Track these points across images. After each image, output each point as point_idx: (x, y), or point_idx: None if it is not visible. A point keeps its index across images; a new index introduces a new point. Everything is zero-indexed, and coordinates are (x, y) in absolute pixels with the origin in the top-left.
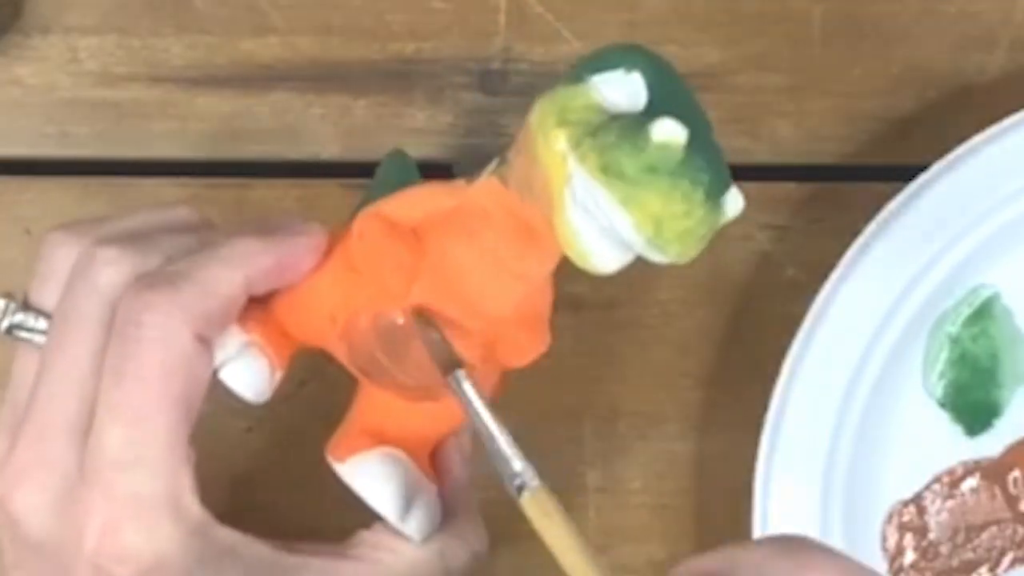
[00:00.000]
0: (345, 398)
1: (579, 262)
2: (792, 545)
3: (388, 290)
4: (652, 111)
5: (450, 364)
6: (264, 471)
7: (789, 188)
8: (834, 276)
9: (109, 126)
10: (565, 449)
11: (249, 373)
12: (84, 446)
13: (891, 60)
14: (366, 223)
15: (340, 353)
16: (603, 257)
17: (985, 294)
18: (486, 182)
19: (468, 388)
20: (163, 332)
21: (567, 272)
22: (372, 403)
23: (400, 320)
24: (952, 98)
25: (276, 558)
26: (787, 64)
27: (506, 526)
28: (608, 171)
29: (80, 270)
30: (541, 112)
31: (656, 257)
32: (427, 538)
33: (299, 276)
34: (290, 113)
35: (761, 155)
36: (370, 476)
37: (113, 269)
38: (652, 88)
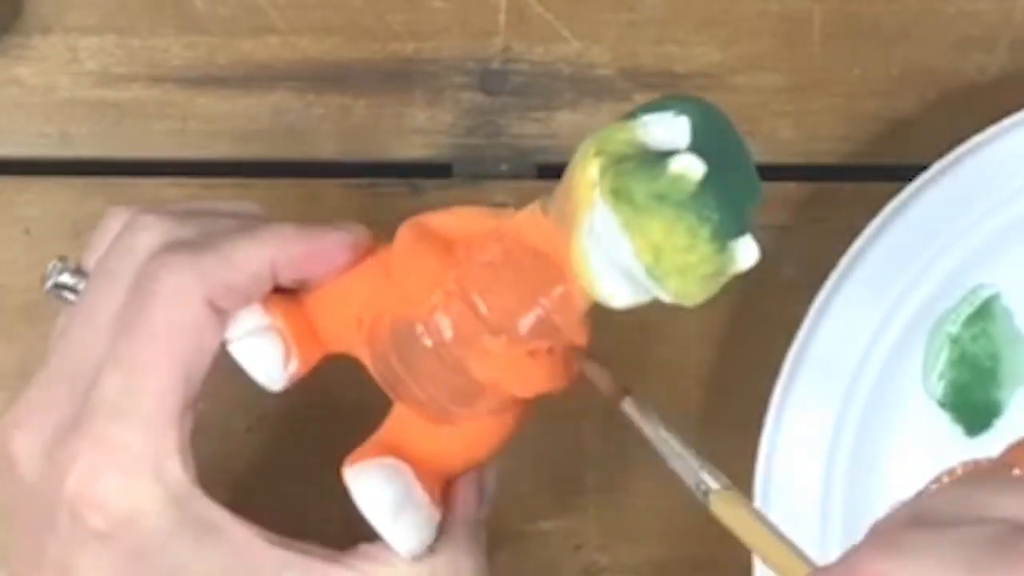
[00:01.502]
0: (345, 398)
1: (590, 290)
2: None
3: (411, 295)
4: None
5: (618, 393)
6: (264, 471)
7: (789, 188)
8: (834, 276)
9: (109, 126)
10: (565, 449)
11: (260, 352)
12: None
13: (891, 60)
14: (404, 228)
15: (366, 360)
16: (610, 287)
17: (985, 294)
18: (529, 210)
19: (637, 415)
20: (175, 291)
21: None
22: (395, 421)
23: (418, 329)
24: (952, 98)
25: (262, 548)
26: (787, 64)
27: (506, 526)
28: (618, 194)
29: (120, 233)
30: (585, 143)
31: (660, 292)
32: (417, 555)
33: (330, 270)
34: (290, 113)
35: (761, 155)
36: (366, 479)
37: (148, 233)
38: (698, 133)
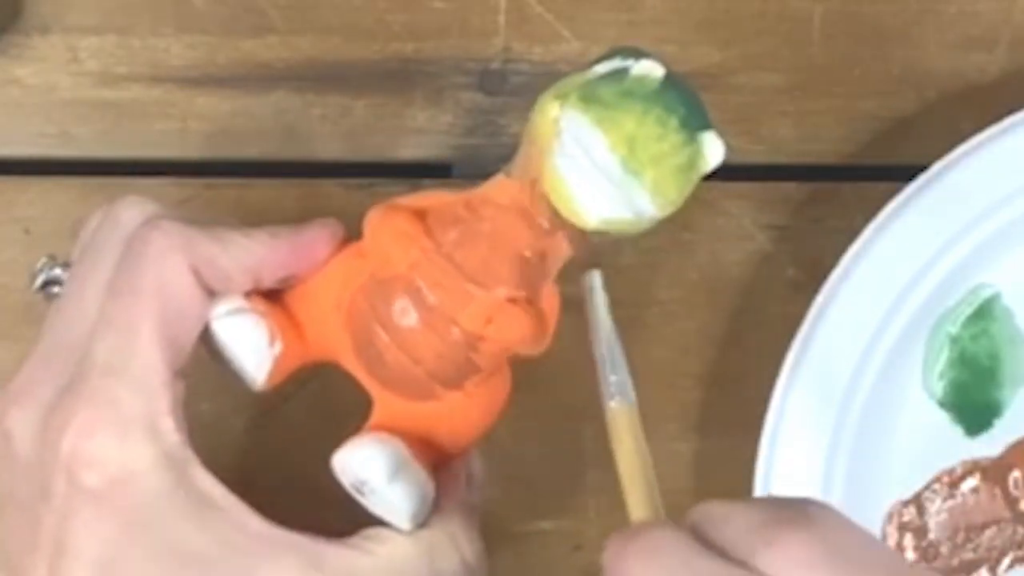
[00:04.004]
0: (345, 398)
1: (566, 211)
2: (770, 515)
3: (388, 258)
4: None
5: (590, 263)
6: (264, 471)
7: (789, 188)
8: (834, 276)
9: (109, 126)
10: (565, 449)
11: (244, 330)
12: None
13: (891, 60)
14: (371, 210)
15: (348, 350)
16: (587, 196)
17: (985, 294)
18: (491, 180)
19: (598, 289)
20: (162, 251)
21: (569, 273)
22: (379, 411)
23: (398, 293)
24: (952, 98)
25: (262, 527)
26: (787, 64)
27: (506, 526)
28: (587, 100)
29: (104, 214)
30: (541, 97)
31: (637, 191)
32: (413, 526)
33: (313, 263)
34: (290, 113)
35: (761, 155)
36: (358, 450)
37: (133, 210)
38: None
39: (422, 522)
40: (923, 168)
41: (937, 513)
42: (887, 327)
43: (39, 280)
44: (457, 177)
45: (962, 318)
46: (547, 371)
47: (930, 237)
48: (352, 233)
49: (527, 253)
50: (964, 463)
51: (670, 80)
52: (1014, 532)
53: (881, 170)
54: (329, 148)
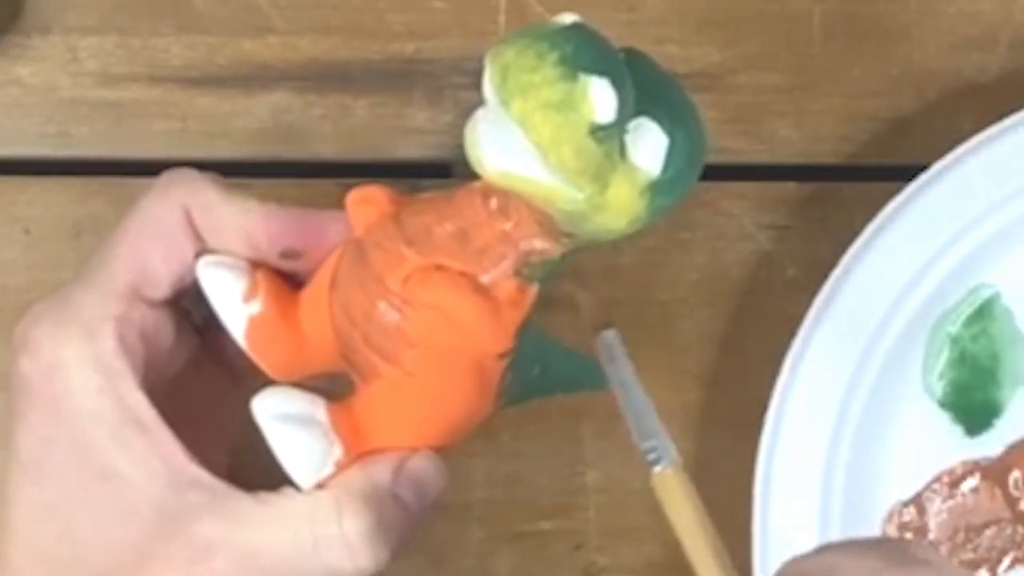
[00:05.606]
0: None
1: (473, 161)
2: (896, 557)
3: (354, 221)
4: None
5: (601, 324)
6: (264, 470)
7: (789, 188)
8: (834, 276)
9: (109, 126)
10: (565, 449)
11: (220, 282)
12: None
13: (891, 60)
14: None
15: (337, 344)
16: (484, 141)
17: (985, 294)
18: None
19: (618, 350)
20: (162, 186)
21: (568, 273)
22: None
23: (353, 252)
24: (952, 98)
25: (181, 458)
26: (787, 64)
27: (506, 526)
28: (499, 42)
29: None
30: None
31: (510, 126)
32: (309, 482)
33: (317, 246)
34: (290, 113)
35: (761, 155)
36: (271, 392)
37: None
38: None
39: (317, 478)
40: (923, 168)
41: (937, 513)
42: (887, 327)
43: None
44: (457, 177)
45: (962, 318)
46: None
47: (930, 237)
48: None
49: (474, 230)
50: (964, 463)
51: (578, 27)
52: (1014, 532)
53: (881, 170)
54: (329, 148)
